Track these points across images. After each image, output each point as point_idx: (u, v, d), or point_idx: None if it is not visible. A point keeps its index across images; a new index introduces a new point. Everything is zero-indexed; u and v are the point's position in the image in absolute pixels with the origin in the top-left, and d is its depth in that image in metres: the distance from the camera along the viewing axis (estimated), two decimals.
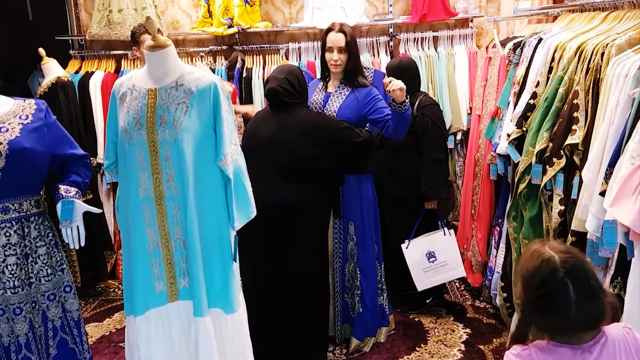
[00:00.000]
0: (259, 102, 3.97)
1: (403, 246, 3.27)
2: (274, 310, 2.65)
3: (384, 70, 3.92)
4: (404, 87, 2.66)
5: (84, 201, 2.17)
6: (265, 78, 3.92)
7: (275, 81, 2.65)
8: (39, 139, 2.06)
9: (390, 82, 2.66)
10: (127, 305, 2.15)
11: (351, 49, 2.85)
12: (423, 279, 3.28)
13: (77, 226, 2.10)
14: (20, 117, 2.06)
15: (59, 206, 2.08)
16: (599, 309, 1.33)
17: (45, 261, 2.11)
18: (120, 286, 3.65)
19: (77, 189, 2.14)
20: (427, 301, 3.46)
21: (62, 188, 2.11)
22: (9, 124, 2.03)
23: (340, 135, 2.64)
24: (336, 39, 2.82)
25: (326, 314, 2.90)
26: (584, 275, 1.34)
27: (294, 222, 2.60)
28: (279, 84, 2.64)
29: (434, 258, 3.28)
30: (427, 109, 3.27)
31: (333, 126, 2.66)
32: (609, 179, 1.88)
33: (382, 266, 3.11)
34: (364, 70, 3.05)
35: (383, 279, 3.12)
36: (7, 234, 2.02)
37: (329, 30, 2.87)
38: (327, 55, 2.87)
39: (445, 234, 3.29)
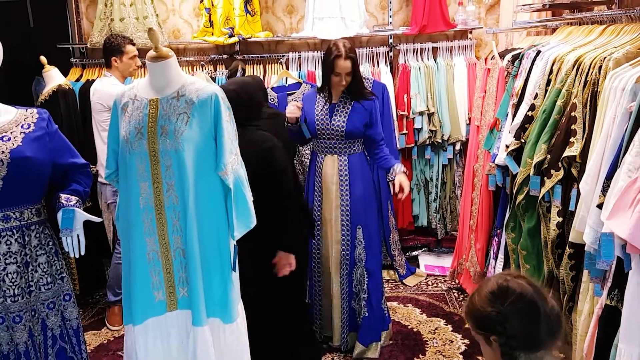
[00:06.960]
0: None
1: None
2: (262, 322, 2.63)
3: (383, 80, 3.96)
4: (407, 183, 2.91)
5: (83, 209, 2.18)
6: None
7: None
8: (41, 148, 2.07)
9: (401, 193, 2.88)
10: (125, 314, 2.16)
11: (356, 70, 2.94)
12: None
13: (78, 235, 2.11)
14: (22, 126, 2.07)
15: (59, 215, 2.08)
16: None
17: (45, 270, 2.11)
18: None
19: (77, 198, 2.15)
20: None
21: (63, 197, 2.12)
22: (11, 132, 2.04)
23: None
24: (345, 66, 2.88)
25: (304, 324, 2.92)
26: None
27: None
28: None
29: None
30: None
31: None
32: (606, 191, 1.89)
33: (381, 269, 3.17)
34: (364, 80, 3.14)
35: (383, 282, 3.17)
36: (8, 242, 2.02)
37: (337, 56, 2.85)
38: (335, 79, 2.92)
39: None
